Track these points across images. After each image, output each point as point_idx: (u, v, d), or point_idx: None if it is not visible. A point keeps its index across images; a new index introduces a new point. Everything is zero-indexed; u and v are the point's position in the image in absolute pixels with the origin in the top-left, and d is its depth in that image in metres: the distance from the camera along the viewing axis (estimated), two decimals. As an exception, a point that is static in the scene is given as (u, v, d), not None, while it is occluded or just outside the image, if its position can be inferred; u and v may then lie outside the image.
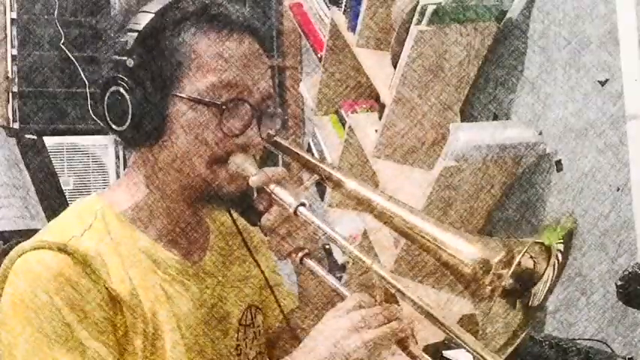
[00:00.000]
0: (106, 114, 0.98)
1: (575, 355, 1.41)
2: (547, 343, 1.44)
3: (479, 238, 0.86)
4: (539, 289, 0.84)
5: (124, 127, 0.96)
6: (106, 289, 0.92)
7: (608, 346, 1.51)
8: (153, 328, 0.94)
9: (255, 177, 0.96)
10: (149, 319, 0.94)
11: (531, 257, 0.84)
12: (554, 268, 0.83)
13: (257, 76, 0.99)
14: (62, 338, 0.87)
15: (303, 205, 0.93)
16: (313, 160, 1.08)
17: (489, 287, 0.80)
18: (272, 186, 0.96)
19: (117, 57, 0.96)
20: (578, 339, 1.53)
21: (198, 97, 0.95)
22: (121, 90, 0.95)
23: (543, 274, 0.83)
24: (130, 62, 0.95)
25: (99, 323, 0.90)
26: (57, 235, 0.94)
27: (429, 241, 0.88)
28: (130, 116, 0.95)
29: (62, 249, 0.91)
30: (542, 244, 0.84)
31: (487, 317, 0.82)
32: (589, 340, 1.53)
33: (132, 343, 0.93)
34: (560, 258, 0.84)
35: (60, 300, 0.88)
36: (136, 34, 0.95)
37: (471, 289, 0.82)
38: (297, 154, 1.08)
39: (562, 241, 0.84)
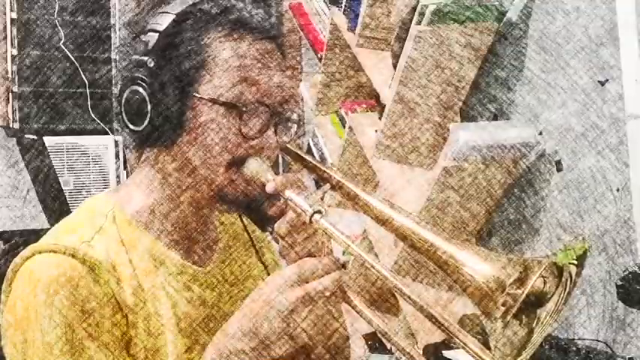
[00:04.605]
0: (124, 113, 0.98)
1: (575, 355, 1.41)
2: (547, 343, 1.44)
3: (493, 254, 0.84)
4: (547, 313, 0.81)
5: (142, 126, 0.96)
6: (114, 297, 0.92)
7: (608, 346, 1.51)
8: (155, 330, 0.94)
9: (272, 183, 0.95)
10: (152, 322, 0.94)
11: (542, 277, 0.81)
12: (562, 292, 0.81)
13: (276, 79, 0.99)
14: (68, 347, 0.87)
15: (319, 212, 0.91)
16: (323, 168, 1.06)
17: (503, 307, 0.78)
18: (288, 192, 0.94)
19: (137, 56, 0.96)
20: (578, 339, 1.54)
21: (218, 99, 0.95)
22: (140, 89, 0.95)
23: (551, 296, 0.81)
24: (151, 62, 0.95)
25: (105, 331, 0.90)
26: (67, 238, 0.94)
27: (443, 257, 0.86)
28: (148, 116, 0.95)
29: (73, 254, 0.90)
30: (554, 264, 0.81)
31: (493, 334, 0.81)
32: (589, 340, 1.53)
33: (135, 347, 0.93)
34: (569, 281, 0.81)
35: (68, 308, 0.88)
36: (157, 35, 0.96)
37: (482, 307, 0.80)
38: (308, 160, 1.07)
39: (575, 262, 0.82)
